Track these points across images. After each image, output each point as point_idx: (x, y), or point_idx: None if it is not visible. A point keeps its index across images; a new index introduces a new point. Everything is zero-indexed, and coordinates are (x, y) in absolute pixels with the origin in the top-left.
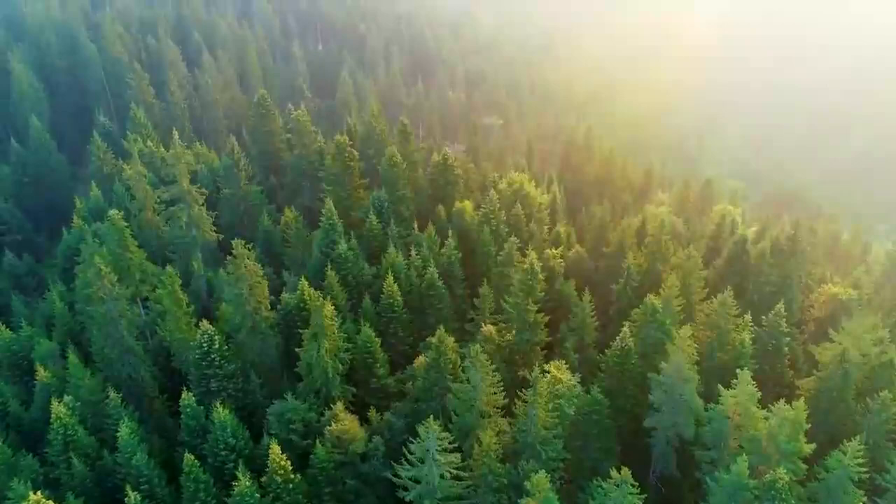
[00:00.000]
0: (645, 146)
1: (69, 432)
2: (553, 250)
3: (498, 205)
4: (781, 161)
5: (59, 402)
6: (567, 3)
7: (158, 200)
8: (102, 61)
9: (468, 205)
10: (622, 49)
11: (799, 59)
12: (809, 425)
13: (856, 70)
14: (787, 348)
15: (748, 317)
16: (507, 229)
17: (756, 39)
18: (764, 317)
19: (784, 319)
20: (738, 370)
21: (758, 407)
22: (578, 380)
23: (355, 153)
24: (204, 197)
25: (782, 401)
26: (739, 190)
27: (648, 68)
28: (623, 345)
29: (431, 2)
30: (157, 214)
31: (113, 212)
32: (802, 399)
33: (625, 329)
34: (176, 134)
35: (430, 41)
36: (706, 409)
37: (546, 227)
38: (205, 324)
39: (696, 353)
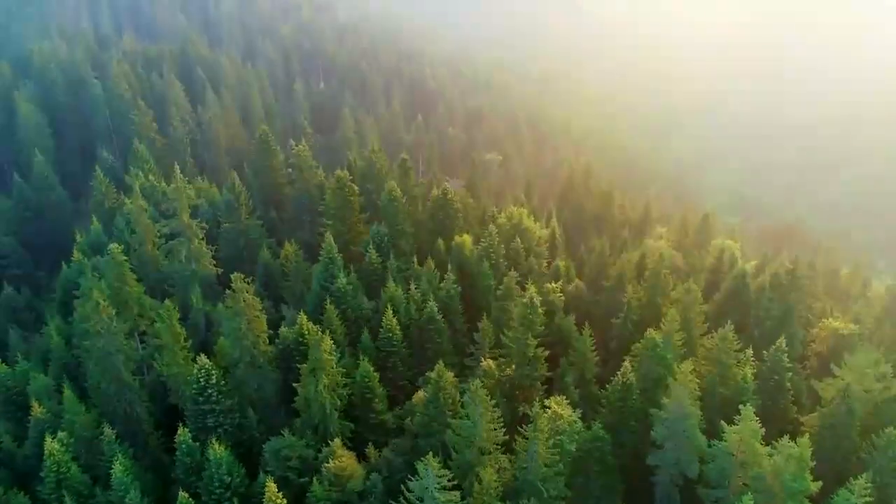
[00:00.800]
0: (642, 181)
1: (62, 469)
2: (552, 284)
3: (497, 239)
4: (778, 195)
5: (52, 439)
6: (565, 40)
7: (158, 234)
8: (107, 98)
9: (467, 239)
10: (619, 86)
11: (793, 94)
12: (815, 462)
13: (849, 106)
14: (789, 383)
15: (749, 351)
16: (506, 263)
17: (751, 76)
18: (765, 351)
19: (786, 354)
20: (740, 406)
21: (762, 444)
22: (579, 415)
23: (355, 188)
24: (204, 231)
25: (786, 437)
26: (737, 224)
27: (645, 105)
28: (624, 380)
29: (431, 41)
30: (157, 248)
31: (113, 245)
32: (807, 435)
33: (626, 364)
34: (177, 169)
35: (429, 79)
36: (709, 446)
37: (545, 261)
38: (202, 358)
39: (697, 389)
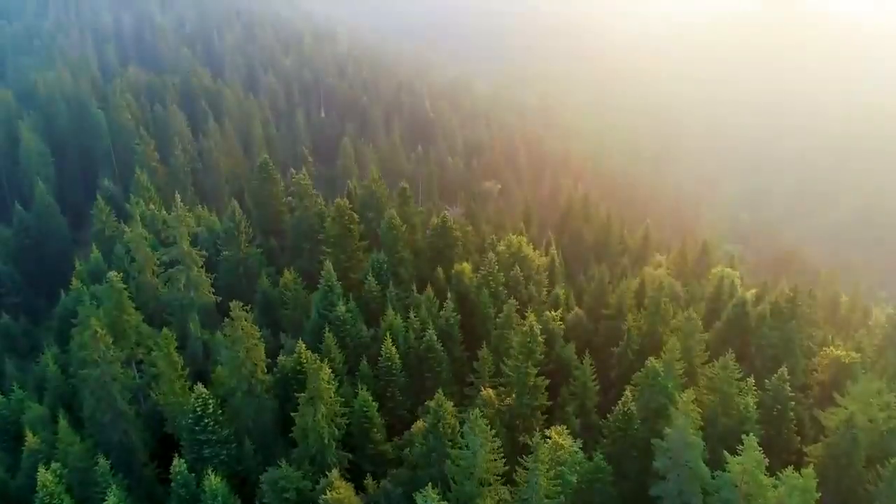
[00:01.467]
0: (641, 209)
1: (55, 501)
2: (552, 313)
3: (496, 267)
4: (777, 224)
5: (46, 470)
6: (563, 71)
7: (158, 262)
8: (110, 127)
9: (467, 267)
10: (617, 116)
11: (790, 123)
12: (820, 493)
13: (846, 135)
14: (792, 413)
15: (751, 380)
16: (505, 291)
17: (748, 105)
18: (767, 380)
19: (788, 383)
20: (743, 436)
21: (766, 475)
22: (580, 446)
23: (355, 216)
24: (203, 259)
25: (791, 468)
26: (736, 252)
27: (643, 134)
28: (625, 409)
29: (430, 72)
30: (157, 276)
31: (112, 273)
32: (811, 466)
33: (627, 393)
34: (178, 197)
35: (429, 110)
36: (713, 477)
37: (545, 289)
38: (199, 387)
39: (699, 418)
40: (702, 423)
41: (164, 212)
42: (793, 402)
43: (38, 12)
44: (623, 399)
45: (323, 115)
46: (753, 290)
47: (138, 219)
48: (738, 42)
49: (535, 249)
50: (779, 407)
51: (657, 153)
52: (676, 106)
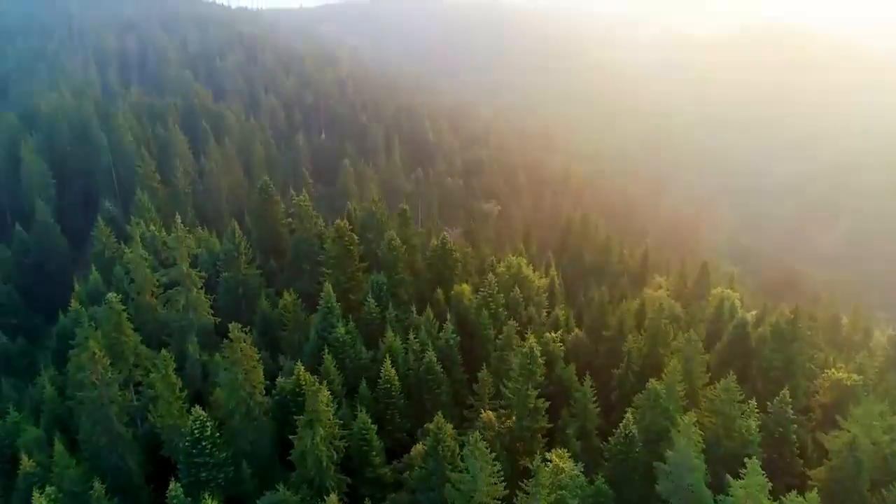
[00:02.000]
0: (640, 230)
1: None
2: (552, 334)
3: (496, 288)
4: (776, 246)
5: (40, 494)
6: (561, 92)
7: (158, 283)
8: (111, 149)
9: (466, 288)
10: (615, 137)
11: (788, 146)
12: None
13: (843, 159)
14: (794, 436)
15: (753, 403)
16: (505, 313)
17: (746, 127)
18: (769, 403)
19: (790, 406)
20: (746, 459)
21: (769, 499)
22: (581, 469)
23: (355, 237)
24: (203, 280)
25: (794, 492)
26: (736, 274)
27: (642, 156)
28: (626, 432)
29: (430, 94)
30: (156, 297)
31: (111, 295)
32: (815, 490)
33: (628, 415)
34: (178, 218)
35: (429, 131)
36: (715, 501)
37: (545, 310)
38: (197, 409)
39: (701, 441)
40: (704, 446)
41: (165, 233)
42: (795, 425)
43: (42, 35)
44: (624, 421)
45: (323, 136)
46: (754, 312)
47: (138, 240)
48: (737, 66)
49: (534, 270)
50: (781, 430)
51: (656, 175)
52: (675, 128)
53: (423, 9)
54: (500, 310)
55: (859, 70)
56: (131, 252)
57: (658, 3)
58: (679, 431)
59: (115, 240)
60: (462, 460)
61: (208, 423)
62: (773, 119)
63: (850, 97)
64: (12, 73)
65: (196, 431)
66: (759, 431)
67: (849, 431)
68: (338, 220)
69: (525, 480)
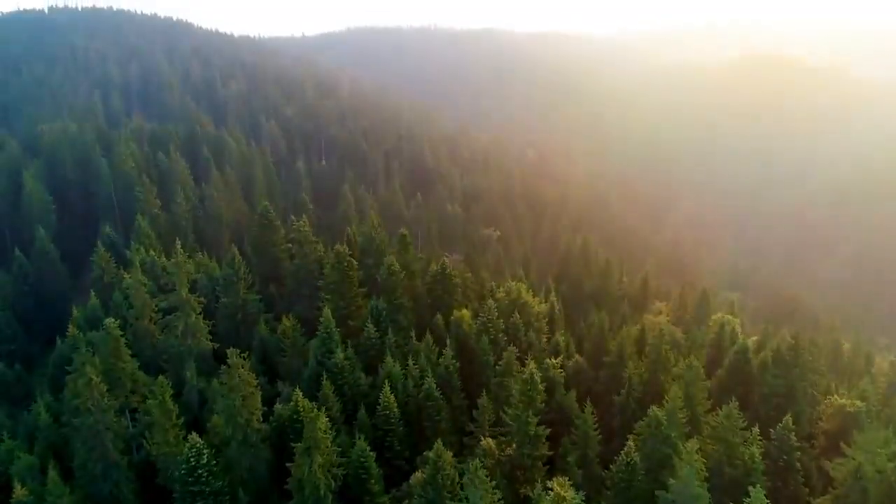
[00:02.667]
0: (639, 257)
1: None
2: (552, 360)
3: (496, 314)
4: (775, 272)
5: None
6: (560, 119)
7: (156, 309)
8: (113, 175)
9: (466, 314)
10: (614, 164)
11: (785, 173)
12: None
13: (839, 185)
14: (798, 463)
15: (756, 430)
16: (505, 338)
17: (744, 154)
18: (772, 430)
19: (793, 433)
20: (749, 487)
21: None
22: (583, 498)
23: (354, 262)
24: (202, 305)
25: None
26: (736, 300)
27: (640, 183)
28: (628, 460)
29: (430, 122)
30: (154, 323)
31: (109, 320)
32: None
33: (629, 443)
34: (178, 243)
35: (428, 158)
36: None
37: (545, 336)
38: (193, 436)
39: (704, 469)
40: (706, 474)
41: (165, 258)
42: (799, 453)
43: (46, 64)
44: (626, 449)
45: (324, 162)
46: (754, 338)
47: (138, 265)
48: (734, 93)
49: (534, 296)
50: (785, 457)
51: (655, 201)
52: (674, 155)
53: (421, 38)
54: (500, 335)
55: (852, 98)
56: (130, 277)
57: (656, 33)
58: (681, 459)
59: (115, 265)
60: (462, 489)
61: (204, 451)
62: (771, 145)
63: (846, 124)
64: (16, 101)
65: (192, 459)
66: (763, 459)
67: (853, 459)
68: (337, 246)
69: None
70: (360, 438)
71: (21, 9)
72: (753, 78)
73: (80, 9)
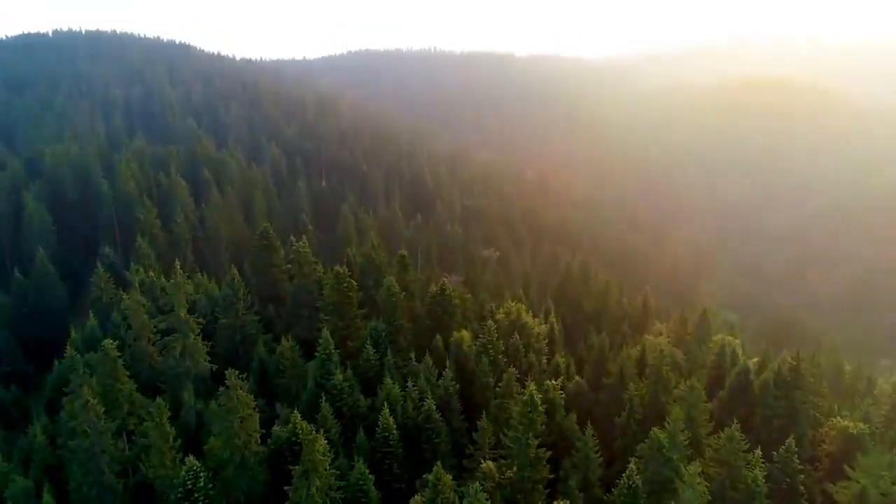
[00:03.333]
0: (639, 277)
1: None
2: (553, 382)
3: (496, 335)
4: (775, 293)
5: None
6: (560, 140)
7: (155, 330)
8: (113, 196)
9: (466, 335)
10: (613, 185)
11: (782, 195)
12: None
13: (837, 205)
14: (802, 486)
15: (758, 452)
16: (505, 359)
17: (742, 175)
18: (775, 452)
19: (796, 455)
20: None
21: None
22: None
23: (354, 283)
24: (201, 326)
25: None
26: (736, 320)
27: (639, 203)
28: (630, 483)
29: (430, 143)
30: (152, 344)
31: (107, 341)
32: None
33: (631, 465)
34: (178, 264)
35: (428, 179)
36: None
37: (545, 357)
38: (190, 459)
39: (707, 492)
40: (709, 498)
41: (164, 279)
42: (802, 476)
43: (50, 86)
44: (627, 472)
45: (324, 183)
46: (755, 359)
47: (137, 286)
48: (734, 115)
49: (534, 317)
50: (788, 480)
51: (654, 222)
52: (672, 176)
53: (421, 60)
54: (500, 357)
55: (849, 120)
56: (129, 298)
57: (652, 56)
58: (684, 482)
59: (114, 286)
60: None
61: (201, 474)
62: (770, 166)
63: (845, 145)
64: (20, 123)
65: (189, 483)
66: (766, 482)
67: (857, 482)
68: (337, 267)
69: None
70: (358, 461)
71: (25, 32)
72: (752, 99)
73: (83, 32)
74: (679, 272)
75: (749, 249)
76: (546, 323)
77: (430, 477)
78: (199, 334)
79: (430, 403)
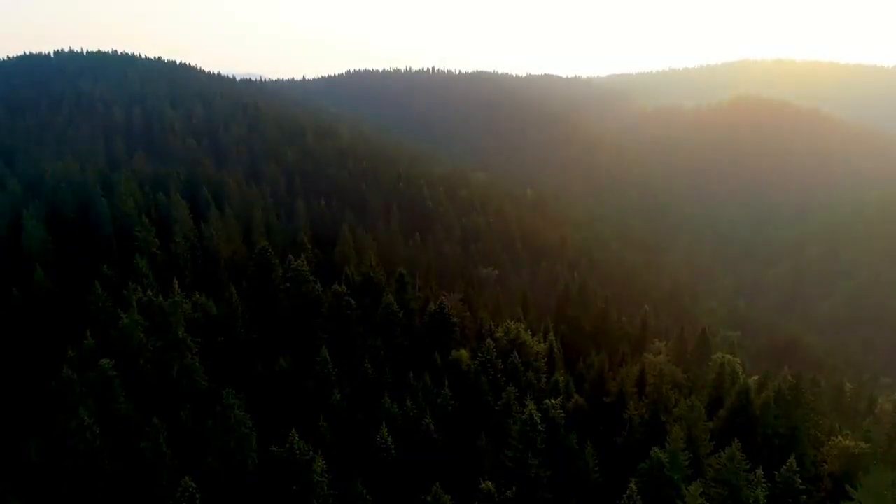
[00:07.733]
0: (637, 296)
1: None
2: (552, 400)
3: (495, 353)
4: (773, 311)
5: None
6: (558, 160)
7: (152, 348)
8: (113, 216)
9: (465, 354)
10: (611, 205)
11: (780, 213)
12: None
13: (835, 224)
14: None
15: (760, 472)
16: (504, 378)
17: (740, 194)
18: (776, 472)
19: (797, 475)
20: None
21: None
22: None
23: (353, 302)
24: (198, 345)
25: None
26: (735, 339)
27: (638, 222)
28: (630, 503)
29: (428, 162)
30: (150, 363)
31: (104, 361)
32: None
33: (631, 486)
34: (176, 283)
35: (427, 198)
36: None
37: (544, 376)
38: (186, 480)
39: None
40: None
41: (162, 298)
42: (804, 496)
43: (51, 107)
44: (628, 492)
45: (323, 203)
46: (755, 378)
47: (135, 305)
48: (729, 135)
49: (533, 336)
50: (790, 500)
51: (652, 241)
52: (670, 195)
53: (420, 81)
54: (499, 376)
55: (844, 140)
56: (127, 317)
57: (653, 75)
58: (685, 502)
59: (112, 305)
60: None
61: (197, 496)
62: (767, 185)
63: (843, 164)
64: (21, 143)
65: (185, 502)
66: (768, 502)
67: (860, 502)
68: (335, 286)
69: None
70: (357, 481)
71: (27, 52)
72: (749, 119)
73: (84, 53)
74: (678, 291)
75: (747, 268)
76: (545, 342)
77: (429, 497)
78: (196, 353)
79: (428, 422)
